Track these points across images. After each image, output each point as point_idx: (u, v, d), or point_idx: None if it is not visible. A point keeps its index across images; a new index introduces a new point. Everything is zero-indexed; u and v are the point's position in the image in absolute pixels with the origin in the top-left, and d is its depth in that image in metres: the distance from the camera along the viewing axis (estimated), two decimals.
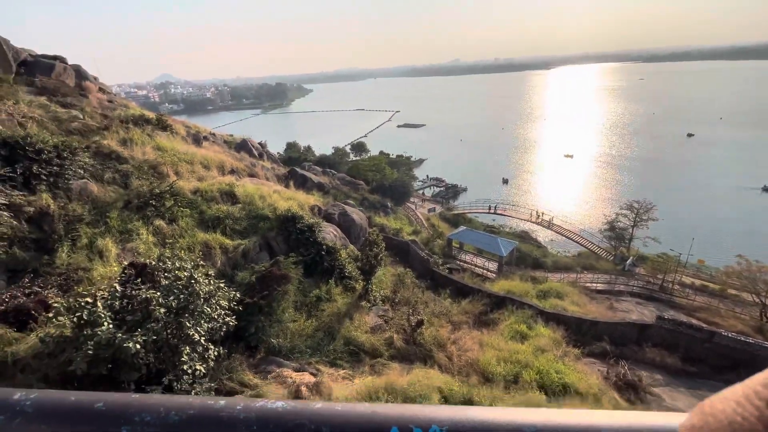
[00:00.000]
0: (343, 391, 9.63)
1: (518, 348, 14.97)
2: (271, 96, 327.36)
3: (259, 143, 49.83)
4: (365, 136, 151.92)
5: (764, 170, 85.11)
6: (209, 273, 9.79)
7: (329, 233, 20.15)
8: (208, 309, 8.95)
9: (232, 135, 52.13)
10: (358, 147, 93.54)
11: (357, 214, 26.89)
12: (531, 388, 11.95)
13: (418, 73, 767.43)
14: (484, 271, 31.58)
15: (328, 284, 16.17)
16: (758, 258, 26.61)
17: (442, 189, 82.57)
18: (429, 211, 53.41)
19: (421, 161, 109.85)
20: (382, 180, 52.51)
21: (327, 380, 9.98)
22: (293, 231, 17.41)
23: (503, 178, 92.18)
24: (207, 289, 8.90)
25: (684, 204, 66.66)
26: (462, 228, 39.55)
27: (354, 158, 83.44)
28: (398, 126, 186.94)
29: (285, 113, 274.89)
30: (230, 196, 18.30)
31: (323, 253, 17.32)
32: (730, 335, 16.90)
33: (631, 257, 35.85)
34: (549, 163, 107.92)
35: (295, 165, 51.76)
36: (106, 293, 8.12)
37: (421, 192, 73.97)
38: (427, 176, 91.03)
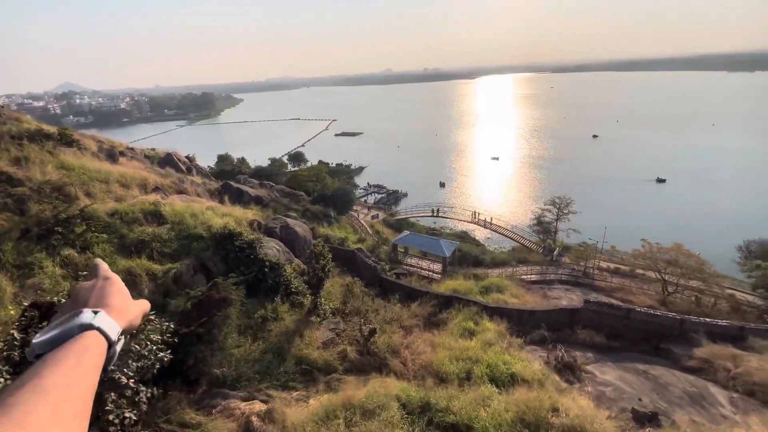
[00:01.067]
0: (299, 415, 9.11)
1: (468, 345, 15.50)
2: (197, 106, 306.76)
3: (187, 157, 46.26)
4: (303, 145, 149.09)
5: (655, 164, 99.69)
6: None
7: (271, 248, 19.23)
8: (137, 346, 7.93)
9: (154, 149, 47.85)
10: (296, 157, 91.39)
11: (300, 227, 26.08)
12: (483, 382, 12.40)
13: (351, 82, 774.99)
14: (430, 273, 32.47)
15: (274, 302, 15.35)
16: (658, 240, 30.83)
17: (383, 195, 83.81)
18: (372, 218, 53.76)
19: (361, 169, 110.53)
20: (323, 190, 51.74)
21: (280, 406, 9.36)
22: (231, 249, 16.30)
23: (440, 182, 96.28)
24: None
25: (595, 196, 75.25)
26: (406, 232, 40.37)
27: (292, 169, 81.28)
28: (336, 135, 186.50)
29: (214, 124, 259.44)
30: (156, 217, 16.61)
31: (266, 270, 16.44)
32: (642, 310, 19.26)
33: (557, 248, 39.40)
34: (479, 166, 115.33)
35: (228, 178, 48.86)
36: (1, 343, 6.79)
37: (363, 199, 74.30)
38: (369, 183, 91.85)
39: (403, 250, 37.35)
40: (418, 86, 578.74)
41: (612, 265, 34.55)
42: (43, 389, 0.68)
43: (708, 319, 18.73)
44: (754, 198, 74.99)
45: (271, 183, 52.89)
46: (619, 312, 18.91)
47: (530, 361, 14.39)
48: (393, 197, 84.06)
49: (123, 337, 1.01)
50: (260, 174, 61.98)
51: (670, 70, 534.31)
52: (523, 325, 19.00)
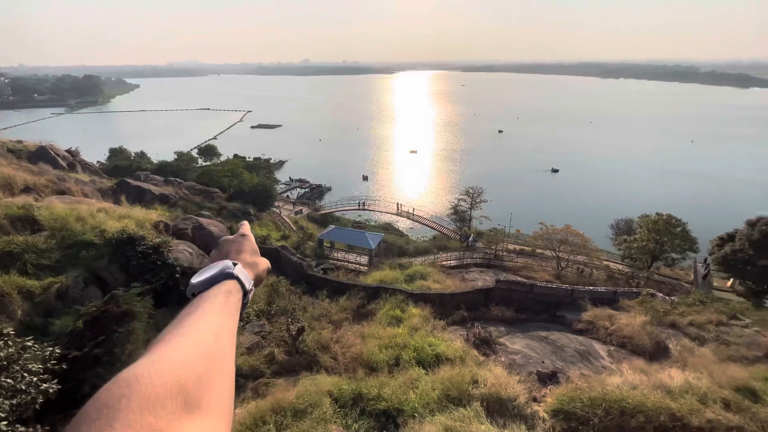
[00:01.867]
0: None
1: (395, 332, 16.08)
2: (79, 91, 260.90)
3: (68, 151, 39.55)
4: (215, 138, 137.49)
5: (550, 156, 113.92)
6: (2, 332, 7.22)
7: (183, 252, 17.49)
8: (9, 380, 6.62)
9: (21, 141, 40.11)
10: (208, 151, 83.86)
11: (215, 226, 24.15)
12: (411, 366, 13.01)
13: (266, 72, 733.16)
14: (357, 266, 32.77)
15: None
16: (553, 223, 35.43)
17: (306, 190, 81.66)
18: (296, 213, 52.14)
19: (281, 163, 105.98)
20: (240, 186, 48.47)
21: None
22: (133, 256, 14.42)
23: (363, 175, 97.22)
24: (1, 355, 6.55)
25: (503, 186, 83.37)
26: (331, 227, 40.03)
27: (204, 164, 74.45)
28: (252, 127, 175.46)
29: (103, 113, 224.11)
30: (29, 223, 13.89)
31: (177, 275, 14.91)
32: (542, 285, 22.04)
33: (472, 235, 42.83)
34: (398, 159, 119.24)
35: (125, 175, 42.97)
36: None
37: (285, 195, 71.53)
38: (290, 178, 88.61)
39: (329, 244, 37.01)
40: (338, 79, 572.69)
41: (518, 247, 38.78)
42: (205, 317, 0.86)
43: (591, 287, 22.23)
44: (623, 183, 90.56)
45: (178, 180, 47.86)
46: (524, 288, 21.38)
47: (452, 341, 15.50)
48: (317, 192, 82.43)
49: (253, 288, 1.15)
50: (165, 170, 55.60)
51: (557, 74, 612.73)
52: (445, 307, 20.33)
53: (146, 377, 0.60)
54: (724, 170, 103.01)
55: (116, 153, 70.32)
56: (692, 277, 34.65)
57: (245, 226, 1.46)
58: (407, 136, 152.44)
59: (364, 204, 57.12)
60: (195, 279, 1.02)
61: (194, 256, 18.19)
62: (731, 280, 34.23)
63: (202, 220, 24.07)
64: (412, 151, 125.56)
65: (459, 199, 48.04)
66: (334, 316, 18.61)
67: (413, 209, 53.03)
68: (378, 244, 35.18)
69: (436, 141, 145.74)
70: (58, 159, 34.27)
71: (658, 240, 32.38)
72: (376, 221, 56.46)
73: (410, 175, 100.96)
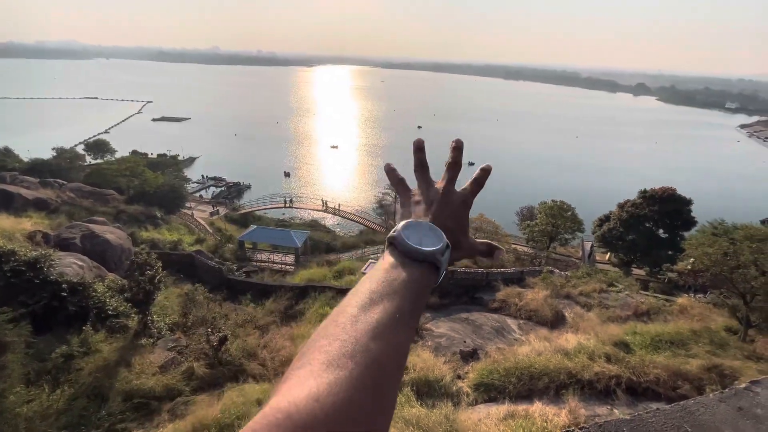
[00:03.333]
0: None
1: None
2: None
3: None
4: (107, 131, 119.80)
5: (468, 151, 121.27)
6: None
7: (70, 265, 15.00)
8: None
9: None
10: (98, 146, 72.64)
11: (112, 233, 21.16)
12: None
13: (168, 58, 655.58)
14: (283, 266, 31.60)
15: (83, 333, 12.10)
16: (472, 212, 38.13)
17: (223, 189, 75.74)
18: (211, 214, 48.09)
19: (192, 160, 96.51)
20: (143, 186, 43.02)
21: None
22: (0, 275, 11.91)
23: (285, 171, 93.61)
24: None
25: None
26: (253, 227, 37.86)
27: (93, 162, 64.35)
28: (154, 119, 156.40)
29: None
30: None
31: (64, 294, 12.73)
32: (461, 270, 23.78)
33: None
34: (319, 154, 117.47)
35: None
36: None
37: (198, 195, 65.52)
38: (203, 176, 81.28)
39: (251, 246, 34.99)
40: (252, 69, 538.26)
41: None
42: (400, 327, 0.58)
43: (502, 269, 24.67)
44: (525, 175, 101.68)
45: (59, 181, 40.77)
46: (446, 275, 22.85)
47: None
48: (235, 190, 76.98)
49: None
50: (41, 170, 46.76)
51: (467, 74, 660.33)
52: None
53: (303, 418, 0.41)
54: (602, 161, 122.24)
55: None
56: (580, 254, 40.59)
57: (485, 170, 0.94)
58: (328, 131, 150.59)
59: (291, 201, 55.04)
60: (409, 237, 0.73)
61: (86, 269, 15.73)
62: (608, 254, 40.90)
63: (94, 227, 20.85)
64: (333, 147, 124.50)
65: (383, 194, 49.11)
66: (260, 321, 17.72)
67: (339, 205, 52.77)
68: (304, 242, 34.33)
69: (357, 136, 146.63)
70: None
71: (554, 223, 37.17)
72: (301, 219, 54.88)
73: (333, 171, 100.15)
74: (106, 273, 17.57)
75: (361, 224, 50.02)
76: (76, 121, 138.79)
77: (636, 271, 36.51)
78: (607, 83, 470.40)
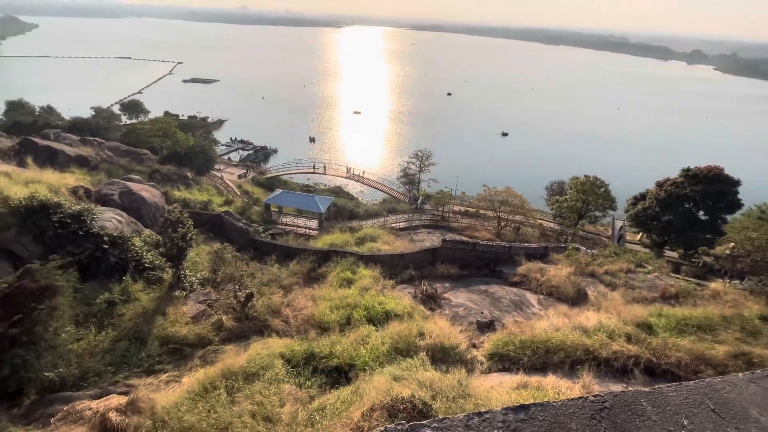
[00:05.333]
0: (170, 397, 8.36)
1: (346, 293, 16.46)
2: None
3: None
4: (140, 92, 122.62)
5: (501, 120, 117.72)
6: None
7: (110, 220, 15.95)
8: None
9: None
10: (132, 107, 74.74)
11: (147, 191, 22.17)
12: (362, 324, 13.53)
13: (198, 18, 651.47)
14: (307, 230, 32.37)
15: (123, 282, 13.06)
16: (496, 184, 37.34)
17: (250, 152, 77.11)
18: (239, 177, 49.33)
19: (221, 122, 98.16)
20: (174, 147, 44.34)
21: (145, 393, 8.38)
22: (48, 226, 12.85)
23: (310, 137, 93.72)
24: None
25: (451, 148, 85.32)
26: (279, 191, 38.63)
27: (128, 122, 66.52)
28: (185, 81, 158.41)
29: None
30: None
31: (106, 246, 13.65)
32: (483, 243, 23.58)
33: (420, 197, 43.91)
34: (344, 120, 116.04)
35: (29, 134, 37.17)
36: None
37: (226, 157, 67.03)
38: (232, 139, 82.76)
39: (276, 209, 35.88)
40: (280, 30, 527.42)
41: (462, 208, 40.64)
42: None
43: (526, 244, 24.25)
44: (559, 147, 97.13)
45: (98, 140, 42.57)
46: (468, 246, 22.72)
47: (401, 298, 16.26)
48: (262, 154, 78.21)
49: None
50: (81, 128, 48.94)
51: (504, 38, 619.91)
52: (395, 267, 21.07)
53: None
54: (642, 136, 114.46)
55: (15, 107, 59.99)
56: (610, 232, 39.14)
57: None
58: (353, 96, 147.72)
59: (319, 167, 55.34)
60: None
61: (124, 224, 16.71)
62: (640, 234, 39.22)
63: (131, 184, 21.89)
64: (356, 112, 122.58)
65: (408, 162, 48.46)
66: (285, 281, 18.47)
67: (363, 172, 52.69)
68: (328, 208, 34.81)
69: (383, 102, 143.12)
70: None
71: (584, 200, 35.74)
72: (325, 185, 55.42)
73: (357, 137, 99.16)
74: (142, 228, 18.63)
75: (385, 192, 49.98)
76: (111, 81, 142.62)
77: (668, 253, 35.00)
78: (659, 50, 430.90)
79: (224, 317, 13.50)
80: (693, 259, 32.75)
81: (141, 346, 11.16)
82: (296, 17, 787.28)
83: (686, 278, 20.88)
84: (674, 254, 34.97)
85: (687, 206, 33.90)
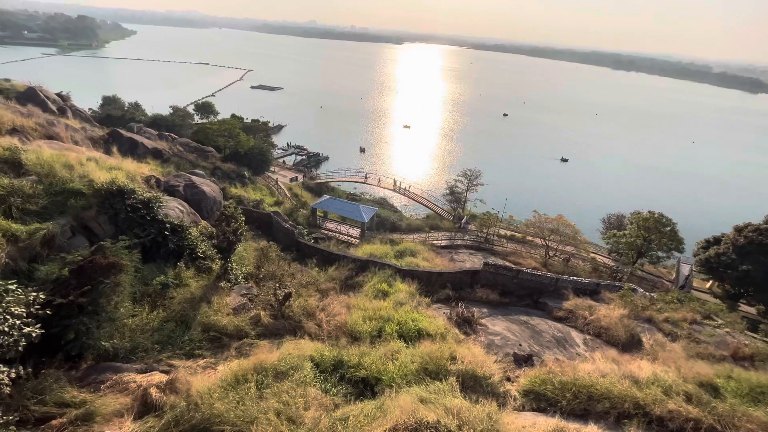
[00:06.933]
0: (205, 382, 8.76)
1: (381, 305, 16.40)
2: (73, 32, 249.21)
3: (59, 95, 38.30)
4: (213, 95, 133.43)
5: (559, 145, 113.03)
6: None
7: (173, 209, 17.33)
8: None
9: (9, 80, 38.65)
10: (204, 108, 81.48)
11: (208, 186, 23.87)
12: (393, 338, 13.36)
13: (270, 30, 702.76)
14: (349, 238, 32.91)
15: (177, 268, 14.07)
16: (548, 211, 35.60)
17: (304, 157, 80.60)
18: (291, 180, 51.63)
19: (280, 127, 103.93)
20: (236, 147, 47.52)
21: (184, 375, 8.86)
22: (122, 209, 14.24)
23: (360, 147, 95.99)
24: None
25: (502, 170, 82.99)
26: (326, 197, 39.81)
27: (200, 121, 72.59)
28: (252, 87, 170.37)
29: (96, 57, 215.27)
30: (14, 166, 13.56)
31: (167, 232, 14.83)
32: (528, 271, 22.43)
33: (465, 216, 42.98)
34: (394, 133, 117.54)
35: (118, 126, 41.81)
36: None
37: (281, 160, 70.52)
38: (288, 143, 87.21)
39: (322, 214, 36.95)
40: (344, 44, 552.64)
41: (509, 233, 39.13)
42: None
43: (575, 278, 22.70)
44: (621, 178, 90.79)
45: (172, 135, 46.74)
46: (511, 273, 21.74)
47: (435, 318, 15.87)
48: (314, 160, 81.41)
49: None
50: (159, 124, 54.14)
51: (569, 60, 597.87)
52: (432, 285, 20.68)
53: None
54: (720, 174, 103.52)
55: (109, 101, 68.03)
56: (674, 275, 35.49)
57: None
58: (405, 111, 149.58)
59: (367, 177, 56.57)
60: None
61: (185, 214, 18.06)
62: (711, 281, 35.14)
63: (194, 178, 23.72)
64: (405, 126, 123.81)
65: (456, 180, 47.80)
66: (322, 285, 18.84)
67: (409, 186, 52.82)
68: (371, 218, 35.21)
69: (435, 118, 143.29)
70: (48, 102, 33.10)
71: (646, 237, 32.85)
72: (371, 195, 56.27)
73: (406, 151, 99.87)
74: (199, 220, 20.05)
75: (429, 208, 49.60)
76: (189, 83, 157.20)
77: (744, 307, 30.99)
78: (747, 81, 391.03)
79: (262, 313, 14.01)
80: None
81: (185, 329, 11.87)
82: (361, 33, 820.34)
83: (765, 339, 18.30)
84: (752, 310, 30.86)
85: None
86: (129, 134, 35.55)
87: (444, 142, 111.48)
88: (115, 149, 26.45)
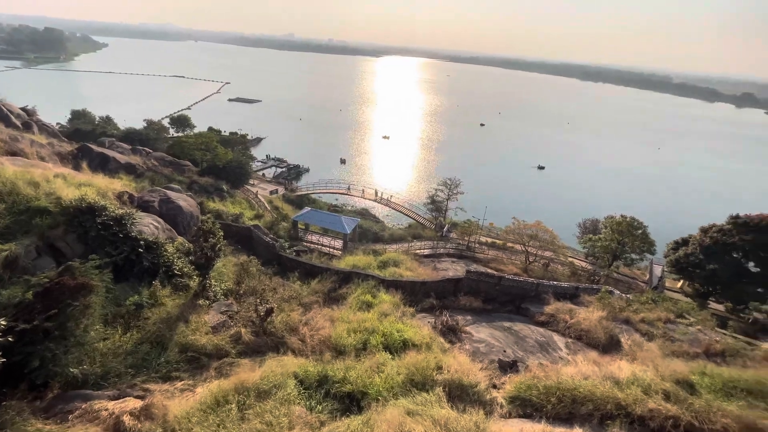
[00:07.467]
0: (183, 406, 8.38)
1: (365, 317, 16.21)
2: (39, 45, 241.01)
3: (23, 109, 36.75)
4: (189, 108, 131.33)
5: (535, 153, 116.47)
6: None
7: (148, 225, 16.75)
8: None
9: None
10: (180, 121, 79.96)
11: (184, 201, 23.24)
12: (378, 350, 13.19)
13: (247, 43, 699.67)
14: (331, 250, 32.60)
15: (152, 286, 13.52)
16: (526, 218, 36.43)
17: (284, 170, 79.95)
18: (271, 193, 50.99)
19: (259, 140, 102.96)
20: (214, 160, 46.67)
21: (160, 399, 8.45)
22: (92, 227, 13.65)
23: (341, 158, 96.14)
24: None
25: (481, 178, 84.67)
26: (307, 209, 39.45)
27: (175, 134, 71.06)
28: (230, 100, 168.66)
29: (64, 71, 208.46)
30: None
31: (141, 250, 14.28)
32: (509, 277, 22.77)
33: (447, 225, 43.45)
34: (374, 144, 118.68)
35: (88, 140, 40.39)
36: None
37: (261, 173, 69.72)
38: (268, 156, 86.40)
39: (303, 227, 36.53)
40: (322, 57, 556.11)
41: (490, 240, 39.75)
42: None
43: (555, 282, 23.18)
44: (594, 184, 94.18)
45: (147, 149, 45.55)
46: (493, 280, 22.00)
47: (420, 328, 15.80)
48: (294, 172, 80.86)
49: None
50: (133, 138, 52.70)
51: (540, 72, 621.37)
52: (416, 295, 20.65)
53: None
54: (684, 178, 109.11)
55: (79, 115, 65.85)
56: (648, 276, 36.83)
57: None
58: (383, 122, 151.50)
59: (354, 189, 56.57)
60: None
61: (160, 230, 17.49)
62: (681, 281, 36.64)
63: (170, 193, 23.07)
64: (384, 137, 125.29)
65: (436, 189, 48.42)
66: (305, 299, 18.50)
67: (390, 196, 53.09)
68: (353, 229, 35.05)
69: (413, 129, 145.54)
70: (11, 117, 31.70)
71: (620, 240, 34.05)
72: (352, 206, 56.18)
73: (387, 162, 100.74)
74: (176, 236, 19.44)
75: (411, 217, 49.90)
76: (165, 97, 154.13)
77: (713, 305, 32.39)
78: (705, 91, 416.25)
79: (243, 330, 13.59)
80: (742, 314, 30.06)
81: (161, 351, 11.36)
82: (339, 46, 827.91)
83: (734, 335, 19.13)
84: (720, 307, 32.29)
85: (735, 256, 31.54)
86: (100, 149, 34.38)
87: (423, 152, 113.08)
88: (85, 165, 25.45)
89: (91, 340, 10.12)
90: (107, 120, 67.29)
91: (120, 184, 21.25)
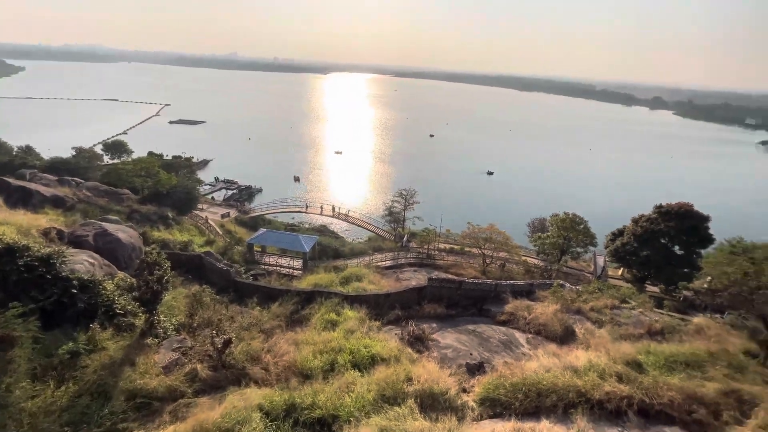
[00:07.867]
0: None
1: (331, 336, 15.79)
2: None
3: None
4: (125, 133, 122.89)
5: (483, 160, 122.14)
6: None
7: (82, 263, 15.22)
8: None
9: None
10: (116, 147, 74.50)
11: (124, 232, 21.48)
12: (346, 370, 12.86)
13: (188, 63, 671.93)
14: (291, 270, 31.63)
15: (90, 330, 12.18)
16: (480, 222, 37.89)
17: (235, 191, 76.87)
18: (223, 216, 48.63)
19: (206, 162, 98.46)
20: (156, 186, 43.75)
21: None
22: (13, 270, 12.11)
23: (295, 176, 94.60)
24: None
25: (435, 187, 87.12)
26: (262, 230, 38.11)
27: (110, 162, 65.87)
28: (171, 122, 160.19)
29: None
30: None
31: (74, 290, 12.87)
32: (469, 281, 23.44)
33: (406, 235, 44.00)
34: (328, 160, 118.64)
35: (4, 174, 36.18)
36: None
37: (210, 197, 66.41)
38: (216, 178, 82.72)
39: (260, 249, 35.18)
40: (268, 75, 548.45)
41: (448, 246, 40.80)
42: None
43: (512, 281, 24.22)
44: (538, 186, 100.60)
45: (77, 180, 41.78)
46: (454, 285, 22.51)
47: (388, 341, 15.68)
48: (246, 193, 78.04)
49: None
50: (59, 168, 48.07)
51: (482, 84, 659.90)
52: (381, 307, 20.53)
53: None
54: (616, 175, 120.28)
55: None
56: (592, 268, 39.72)
57: None
58: (336, 138, 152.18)
59: (307, 206, 55.36)
60: None
61: (96, 266, 15.95)
62: (621, 269, 39.93)
63: (107, 225, 21.21)
64: (337, 152, 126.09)
65: (393, 201, 49.03)
66: (266, 324, 17.64)
67: (348, 211, 52.89)
68: (312, 247, 34.37)
69: (366, 143, 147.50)
70: None
71: (566, 236, 36.51)
72: (310, 224, 55.14)
73: (342, 177, 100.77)
74: (116, 271, 17.81)
75: (370, 231, 49.94)
76: (96, 122, 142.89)
77: (650, 288, 35.55)
78: (623, 96, 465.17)
79: (199, 366, 12.62)
80: (674, 294, 33.28)
81: (105, 401, 10.19)
82: (285, 64, 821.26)
83: (669, 313, 21.05)
84: (656, 289, 35.52)
85: (663, 241, 34.99)
86: (19, 182, 30.94)
87: (377, 165, 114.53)
88: (0, 201, 22.71)
89: (15, 401, 8.85)
90: (27, 150, 60.86)
91: (45, 219, 19.24)
